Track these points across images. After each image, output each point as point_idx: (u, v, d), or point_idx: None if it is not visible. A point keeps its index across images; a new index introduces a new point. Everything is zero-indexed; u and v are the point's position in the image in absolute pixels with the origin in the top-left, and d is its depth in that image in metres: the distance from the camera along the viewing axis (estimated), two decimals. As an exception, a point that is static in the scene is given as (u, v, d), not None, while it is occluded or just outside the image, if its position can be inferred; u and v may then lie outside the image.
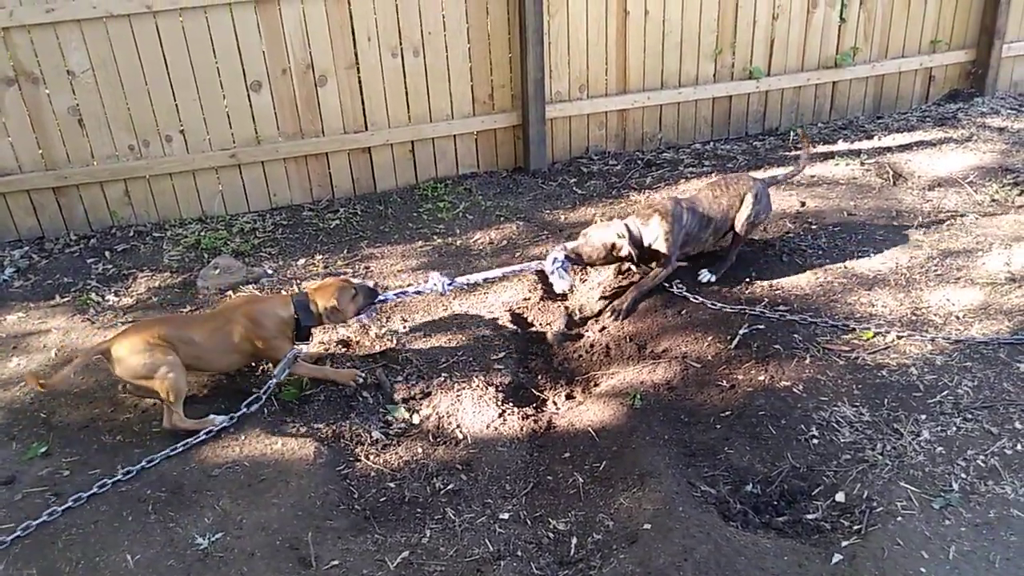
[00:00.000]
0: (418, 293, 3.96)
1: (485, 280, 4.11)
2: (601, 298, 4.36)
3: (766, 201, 4.38)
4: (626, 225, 4.07)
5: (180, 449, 3.31)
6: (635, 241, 4.06)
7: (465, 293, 4.41)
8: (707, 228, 4.26)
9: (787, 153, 5.94)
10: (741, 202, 4.29)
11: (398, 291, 3.96)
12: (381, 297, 3.83)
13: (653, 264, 4.22)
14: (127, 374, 3.36)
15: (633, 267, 4.35)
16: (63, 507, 3.04)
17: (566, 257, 4.09)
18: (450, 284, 3.95)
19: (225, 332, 3.49)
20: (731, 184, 4.34)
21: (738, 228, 4.30)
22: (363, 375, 3.69)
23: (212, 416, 3.47)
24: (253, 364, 3.77)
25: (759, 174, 5.55)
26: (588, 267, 4.28)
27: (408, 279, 4.58)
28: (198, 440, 3.35)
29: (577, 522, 3.06)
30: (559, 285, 4.13)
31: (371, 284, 3.87)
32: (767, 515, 3.03)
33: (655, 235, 4.09)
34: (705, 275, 4.34)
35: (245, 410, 3.46)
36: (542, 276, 4.41)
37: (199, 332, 3.47)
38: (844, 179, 5.52)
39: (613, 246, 4.04)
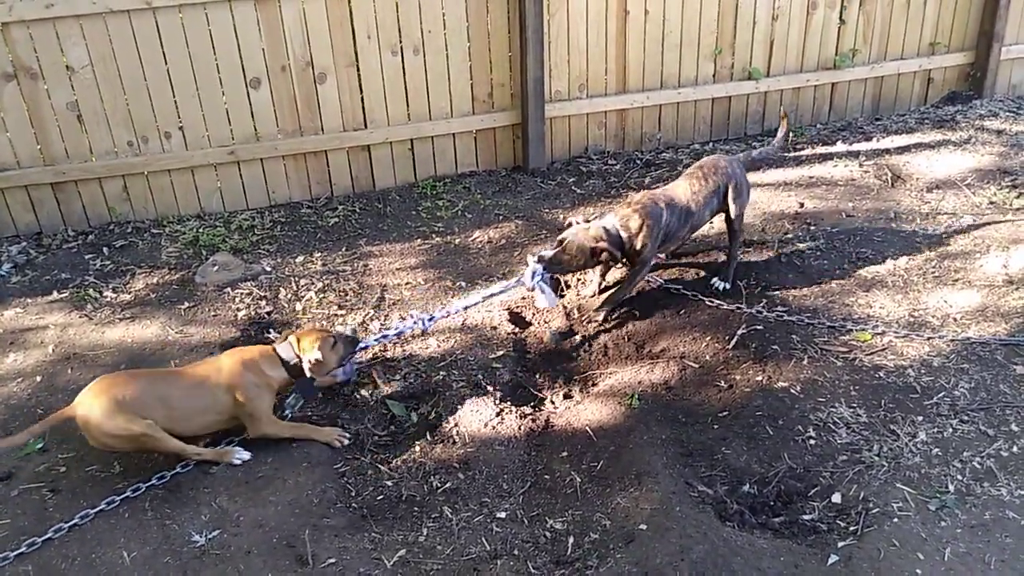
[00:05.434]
0: (399, 334, 3.85)
1: (466, 308, 4.02)
2: (601, 291, 4.35)
3: (746, 186, 4.29)
4: (604, 227, 3.94)
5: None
6: (615, 242, 3.94)
7: (464, 291, 4.41)
8: (686, 225, 4.12)
9: (786, 154, 5.94)
10: (725, 194, 4.17)
11: (379, 335, 3.80)
12: (362, 344, 3.62)
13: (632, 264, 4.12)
14: (101, 443, 3.06)
15: (616, 266, 4.26)
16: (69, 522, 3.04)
17: (544, 268, 3.89)
18: (430, 320, 3.87)
19: (206, 389, 3.19)
20: (709, 176, 4.17)
21: (734, 223, 4.25)
22: (348, 436, 3.42)
23: (236, 448, 3.29)
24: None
25: (759, 174, 5.58)
26: (569, 274, 4.10)
27: (407, 278, 4.58)
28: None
29: (574, 521, 3.07)
30: (542, 301, 3.94)
31: (350, 331, 3.53)
32: (764, 515, 3.03)
33: (635, 234, 3.95)
34: (718, 284, 4.28)
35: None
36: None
37: (177, 390, 3.17)
38: (843, 180, 5.53)
39: (593, 250, 3.89)
